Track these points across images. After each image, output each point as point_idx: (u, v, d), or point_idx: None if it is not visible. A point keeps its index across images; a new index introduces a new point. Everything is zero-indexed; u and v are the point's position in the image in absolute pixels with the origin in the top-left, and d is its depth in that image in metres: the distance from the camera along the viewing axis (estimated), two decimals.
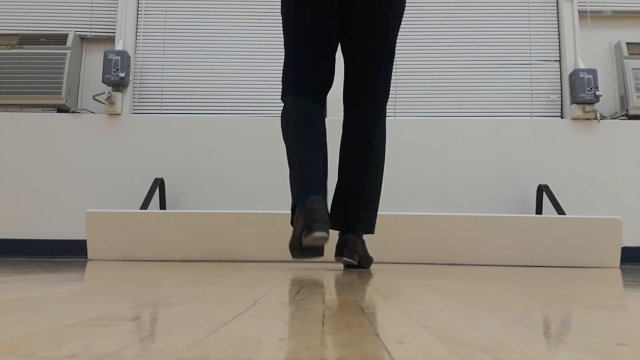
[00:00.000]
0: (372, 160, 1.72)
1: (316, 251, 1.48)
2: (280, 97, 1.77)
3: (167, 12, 3.33)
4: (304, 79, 1.67)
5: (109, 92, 3.08)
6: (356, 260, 1.67)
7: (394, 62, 1.87)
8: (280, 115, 1.73)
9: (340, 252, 1.66)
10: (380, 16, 1.65)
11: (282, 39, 1.73)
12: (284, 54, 1.73)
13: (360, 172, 1.70)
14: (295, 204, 1.49)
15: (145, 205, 2.75)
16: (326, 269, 1.66)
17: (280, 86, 1.76)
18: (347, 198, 1.71)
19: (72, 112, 3.15)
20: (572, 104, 3.12)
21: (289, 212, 1.62)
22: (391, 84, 3.26)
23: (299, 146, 1.58)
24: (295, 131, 1.62)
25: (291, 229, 1.54)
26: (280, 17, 1.73)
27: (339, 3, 1.65)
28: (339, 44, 1.75)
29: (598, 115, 3.09)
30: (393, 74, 3.18)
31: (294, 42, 1.67)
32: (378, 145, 1.74)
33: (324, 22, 1.64)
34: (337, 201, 1.73)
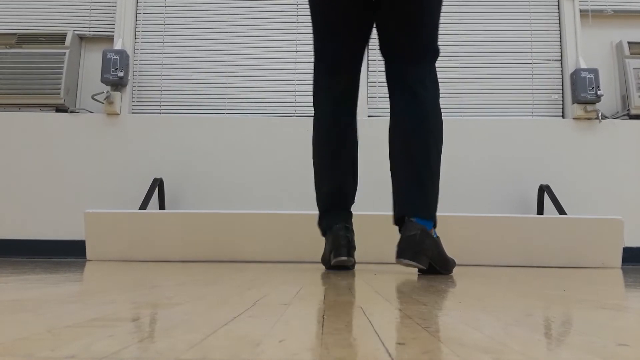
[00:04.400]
0: (432, 144, 1.48)
1: (345, 268, 1.61)
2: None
3: (166, 12, 3.33)
4: (334, 70, 1.62)
5: (107, 92, 3.08)
6: (425, 263, 1.38)
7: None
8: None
9: (401, 253, 1.38)
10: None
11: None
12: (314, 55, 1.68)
13: (419, 155, 1.47)
14: (325, 229, 1.64)
15: (144, 205, 2.74)
16: (326, 270, 1.66)
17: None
18: (403, 183, 1.48)
19: (70, 112, 3.14)
20: (573, 103, 3.12)
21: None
22: None
23: (326, 168, 1.63)
24: (323, 150, 1.63)
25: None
26: (309, 13, 1.68)
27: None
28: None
29: (599, 114, 3.09)
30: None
31: (321, 32, 1.61)
32: (436, 130, 1.51)
33: (353, 19, 1.57)
34: (394, 189, 1.52)
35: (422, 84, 1.55)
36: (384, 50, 1.63)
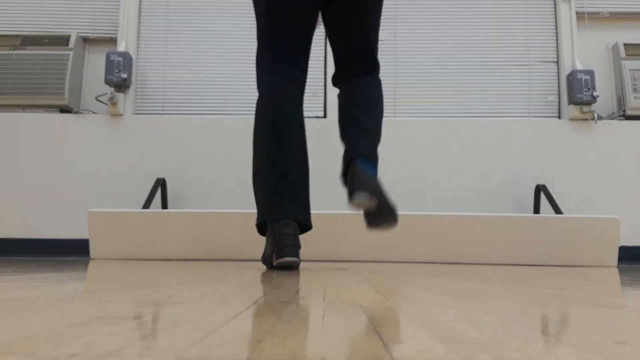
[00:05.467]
0: (376, 109, 1.59)
1: (289, 268, 1.47)
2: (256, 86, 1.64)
3: (169, 13, 3.33)
4: (280, 62, 1.58)
5: (111, 93, 3.09)
6: (376, 197, 1.38)
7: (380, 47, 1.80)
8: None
9: (357, 189, 1.36)
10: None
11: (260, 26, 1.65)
12: (257, 39, 1.64)
13: (364, 113, 1.56)
14: (264, 220, 1.49)
15: (147, 205, 2.75)
16: (326, 269, 1.66)
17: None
18: (354, 130, 1.53)
19: (74, 113, 3.16)
20: (569, 104, 3.12)
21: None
22: (390, 84, 3.26)
23: (272, 150, 1.48)
24: (269, 130, 1.50)
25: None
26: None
27: None
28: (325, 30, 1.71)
29: (595, 115, 3.09)
30: (392, 73, 3.21)
31: (271, 27, 1.57)
32: (380, 98, 1.64)
33: (304, 7, 1.57)
34: (344, 130, 1.57)
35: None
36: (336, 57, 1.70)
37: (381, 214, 1.40)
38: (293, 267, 1.46)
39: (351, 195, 1.38)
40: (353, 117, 1.57)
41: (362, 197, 1.36)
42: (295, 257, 1.40)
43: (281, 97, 1.56)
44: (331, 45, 1.71)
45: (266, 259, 1.53)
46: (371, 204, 1.38)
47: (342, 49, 1.67)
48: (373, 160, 1.50)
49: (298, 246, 1.43)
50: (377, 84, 1.68)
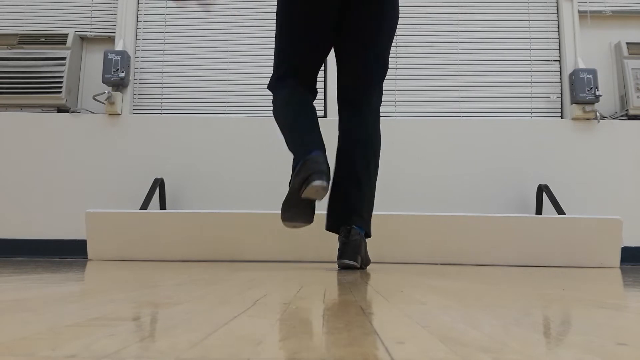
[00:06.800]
0: (372, 160, 1.72)
1: (308, 213, 1.53)
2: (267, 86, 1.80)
3: (167, 12, 3.33)
4: (297, 69, 1.71)
5: (109, 92, 3.08)
6: (359, 262, 1.63)
7: (389, 68, 1.88)
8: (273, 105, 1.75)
9: (343, 254, 1.61)
10: (375, 21, 1.70)
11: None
12: (274, 46, 1.79)
13: (362, 170, 1.69)
14: (298, 160, 1.50)
15: (145, 205, 2.75)
16: (326, 269, 1.66)
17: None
18: (348, 192, 1.68)
19: (72, 112, 3.15)
20: (572, 104, 3.12)
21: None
22: (390, 84, 3.26)
23: (296, 118, 1.62)
24: (290, 109, 1.65)
25: None
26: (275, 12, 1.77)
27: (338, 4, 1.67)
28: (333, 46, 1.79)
29: (598, 115, 3.09)
30: (393, 73, 3.21)
31: (290, 35, 1.70)
32: (377, 147, 1.76)
33: (322, 19, 1.67)
34: (335, 197, 1.70)
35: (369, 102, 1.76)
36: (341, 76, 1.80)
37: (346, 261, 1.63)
38: (313, 205, 1.55)
39: (341, 258, 1.62)
40: (353, 175, 1.69)
41: (349, 264, 1.61)
42: (325, 182, 1.43)
43: (296, 95, 1.71)
44: (338, 68, 1.80)
45: (291, 197, 1.52)
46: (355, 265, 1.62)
47: (350, 73, 1.76)
48: (366, 224, 1.70)
49: (329, 175, 1.46)
50: (376, 120, 1.77)
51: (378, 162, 1.75)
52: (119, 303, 0.61)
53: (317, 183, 1.40)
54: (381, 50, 1.73)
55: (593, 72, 3.07)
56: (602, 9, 3.27)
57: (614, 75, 3.26)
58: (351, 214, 1.66)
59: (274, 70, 1.78)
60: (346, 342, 0.38)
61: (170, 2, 3.30)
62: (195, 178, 3.09)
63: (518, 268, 2.08)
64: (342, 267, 1.64)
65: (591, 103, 3.06)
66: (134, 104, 3.24)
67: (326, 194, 1.46)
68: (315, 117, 1.65)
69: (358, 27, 1.70)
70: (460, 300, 0.70)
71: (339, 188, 1.70)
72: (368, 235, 1.72)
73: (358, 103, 1.75)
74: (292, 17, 1.68)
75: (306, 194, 1.43)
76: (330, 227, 1.72)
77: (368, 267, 1.82)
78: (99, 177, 3.09)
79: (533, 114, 3.24)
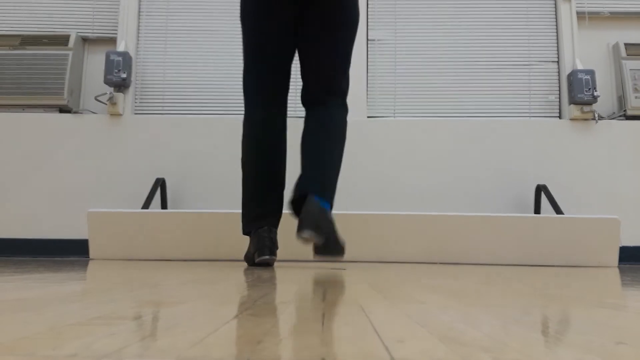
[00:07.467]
0: (339, 144, 1.72)
1: (266, 265, 1.74)
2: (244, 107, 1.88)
3: (169, 13, 3.33)
4: (263, 89, 1.80)
5: (110, 93, 3.09)
6: (323, 237, 1.46)
7: (351, 61, 1.89)
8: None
9: (303, 225, 1.46)
10: (334, 18, 1.74)
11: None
12: (243, 64, 1.85)
13: (326, 143, 1.69)
14: (250, 230, 1.77)
15: (146, 205, 2.75)
16: (326, 269, 1.66)
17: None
18: (313, 162, 1.66)
19: (74, 113, 3.15)
20: (570, 104, 3.12)
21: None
22: (390, 84, 3.26)
23: (258, 172, 1.79)
24: (254, 154, 1.80)
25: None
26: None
27: (295, 13, 1.75)
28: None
29: (596, 115, 3.09)
30: (392, 73, 3.21)
31: (253, 53, 1.83)
32: (343, 130, 1.76)
33: (282, 33, 1.76)
34: (304, 167, 1.68)
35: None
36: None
37: (327, 248, 1.50)
38: (269, 264, 1.72)
39: (299, 230, 1.49)
40: (314, 149, 1.70)
41: (309, 234, 1.46)
42: (273, 255, 1.67)
43: (266, 123, 1.84)
44: (302, 68, 1.85)
45: (248, 258, 1.79)
46: (318, 241, 1.48)
47: (311, 71, 1.81)
48: (328, 196, 1.62)
49: (276, 247, 1.70)
50: (342, 111, 1.79)
51: (343, 148, 1.74)
52: (120, 302, 0.61)
53: (264, 258, 1.66)
54: (340, 42, 1.76)
55: (591, 72, 3.07)
56: (600, 10, 3.27)
57: (612, 76, 3.26)
58: (312, 183, 1.62)
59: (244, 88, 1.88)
60: (346, 341, 0.38)
61: None
62: (197, 178, 3.10)
63: (517, 267, 2.07)
64: (304, 240, 1.51)
65: (589, 103, 3.06)
66: (136, 104, 3.25)
67: (275, 261, 1.71)
68: (282, 155, 1.77)
69: (314, 27, 1.76)
70: (460, 300, 0.70)
71: (303, 164, 1.70)
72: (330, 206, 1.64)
73: (323, 98, 1.79)
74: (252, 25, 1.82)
75: (258, 262, 1.69)
76: (291, 200, 1.67)
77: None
78: (101, 177, 3.09)
79: (531, 115, 3.24)
